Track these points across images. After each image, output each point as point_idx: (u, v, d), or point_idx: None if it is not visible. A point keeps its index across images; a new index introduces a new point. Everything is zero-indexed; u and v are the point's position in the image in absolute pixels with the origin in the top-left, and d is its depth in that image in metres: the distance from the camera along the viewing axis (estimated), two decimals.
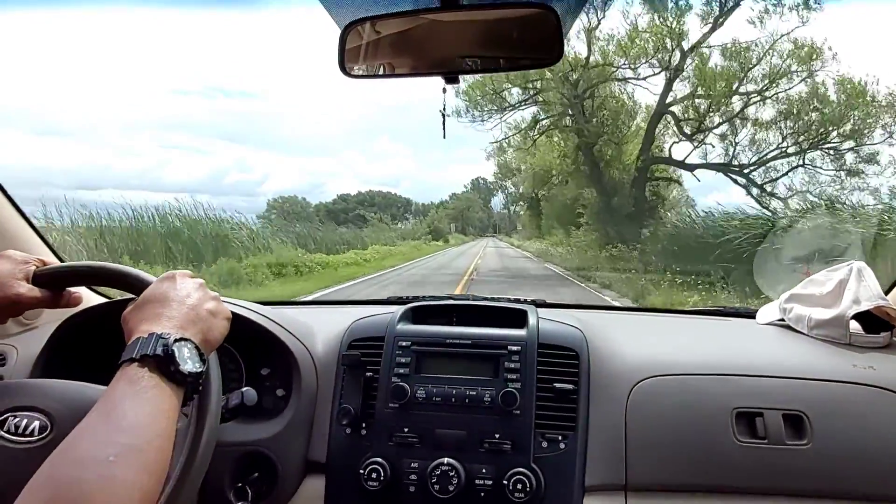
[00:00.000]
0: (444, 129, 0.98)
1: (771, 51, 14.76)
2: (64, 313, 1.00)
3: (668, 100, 16.49)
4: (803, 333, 1.21)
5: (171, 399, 0.63)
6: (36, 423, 0.70)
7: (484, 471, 0.97)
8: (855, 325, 1.15)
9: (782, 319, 1.28)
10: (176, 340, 0.65)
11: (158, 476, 0.58)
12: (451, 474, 0.95)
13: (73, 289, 0.85)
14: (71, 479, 0.52)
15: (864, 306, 1.12)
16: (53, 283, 0.81)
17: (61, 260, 1.26)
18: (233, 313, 1.04)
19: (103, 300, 1.22)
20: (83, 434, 0.56)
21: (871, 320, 1.15)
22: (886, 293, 1.18)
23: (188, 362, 0.65)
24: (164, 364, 0.63)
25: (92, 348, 1.01)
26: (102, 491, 0.52)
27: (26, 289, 0.78)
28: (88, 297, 1.23)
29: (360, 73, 0.95)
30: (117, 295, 1.12)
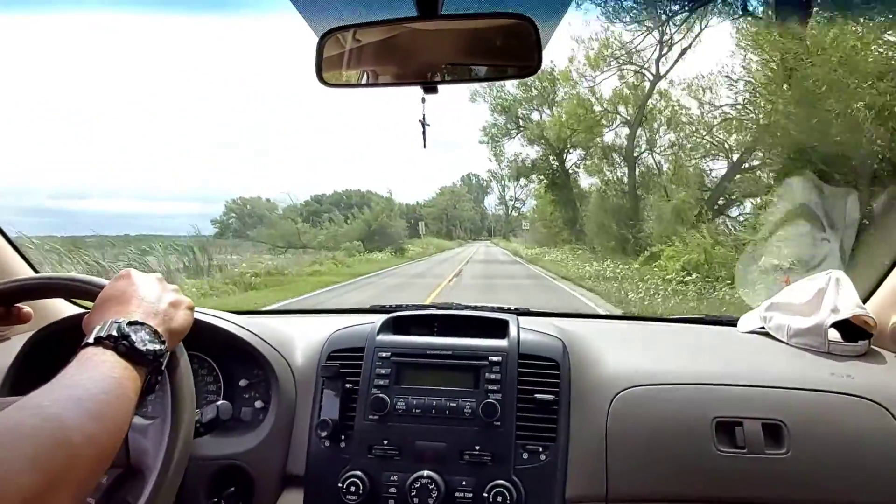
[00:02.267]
0: (424, 139, 0.98)
1: None
2: (35, 325, 0.98)
3: None
4: (783, 342, 1.21)
5: (127, 371, 0.62)
6: None
7: (464, 483, 0.96)
8: (834, 334, 1.15)
9: (763, 328, 1.29)
10: (130, 323, 0.65)
11: (104, 424, 0.55)
12: (431, 487, 0.94)
13: (24, 304, 0.84)
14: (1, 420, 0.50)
15: (842, 315, 1.13)
16: (1, 301, 0.80)
17: (36, 271, 1.24)
18: (210, 325, 1.04)
19: (80, 311, 1.19)
20: (26, 396, 0.54)
21: (849, 329, 1.15)
22: (864, 301, 1.19)
23: (144, 342, 0.64)
24: (118, 342, 0.62)
25: (65, 360, 0.99)
26: (31, 425, 0.50)
27: None
28: (60, 309, 1.20)
29: (338, 82, 0.94)
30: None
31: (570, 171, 20.09)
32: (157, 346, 0.66)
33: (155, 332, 0.67)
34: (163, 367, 0.69)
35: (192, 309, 0.77)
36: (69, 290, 0.81)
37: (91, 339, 0.62)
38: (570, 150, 19.46)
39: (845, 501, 0.94)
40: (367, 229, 26.70)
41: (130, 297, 0.71)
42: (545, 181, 21.25)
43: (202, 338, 0.97)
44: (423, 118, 0.97)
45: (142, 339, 0.64)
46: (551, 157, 20.03)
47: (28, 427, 0.49)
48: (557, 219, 21.07)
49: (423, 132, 0.99)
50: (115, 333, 0.63)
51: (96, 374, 0.59)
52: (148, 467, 0.71)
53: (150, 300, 0.71)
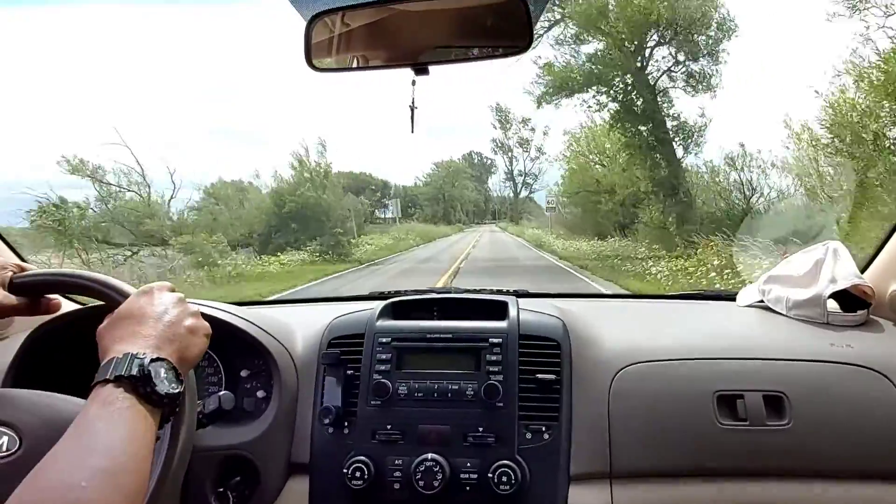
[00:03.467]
0: (412, 123, 0.97)
1: None
2: (34, 322, 0.97)
3: None
4: (782, 314, 1.22)
5: (147, 420, 0.61)
6: (5, 439, 0.68)
7: (469, 465, 0.97)
8: (832, 304, 1.16)
9: (762, 301, 1.29)
10: (152, 361, 0.63)
11: (134, 499, 0.56)
12: (436, 469, 0.95)
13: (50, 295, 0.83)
14: None
15: (840, 285, 1.13)
16: (30, 291, 0.79)
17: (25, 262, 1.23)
18: (210, 316, 1.03)
19: (77, 307, 1.19)
20: (55, 459, 0.54)
21: (848, 299, 1.16)
22: (862, 271, 1.19)
23: (164, 383, 0.63)
24: (139, 385, 0.61)
25: (65, 357, 0.99)
26: None
27: (2, 296, 0.75)
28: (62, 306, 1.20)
29: (327, 66, 0.93)
30: (91, 301, 1.10)
31: (662, 89, 10.51)
32: (177, 390, 0.65)
33: (174, 368, 0.66)
34: (177, 409, 0.68)
35: (208, 336, 0.76)
36: (97, 291, 0.79)
37: (111, 376, 0.61)
38: (665, 41, 9.60)
39: (848, 469, 0.95)
40: (277, 213, 14.92)
41: (148, 317, 0.69)
42: (614, 104, 11.16)
43: None
44: (413, 101, 0.96)
45: (162, 380, 0.63)
46: (620, 62, 10.37)
47: None
48: (635, 182, 11.51)
49: (412, 116, 0.98)
50: (136, 374, 0.61)
51: (122, 432, 0.58)
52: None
53: (168, 322, 0.70)
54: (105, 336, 0.67)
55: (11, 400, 0.75)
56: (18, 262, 0.81)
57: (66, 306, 1.20)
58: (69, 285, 0.81)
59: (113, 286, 0.78)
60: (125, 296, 0.74)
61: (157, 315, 0.70)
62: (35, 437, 0.67)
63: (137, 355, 0.63)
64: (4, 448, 0.67)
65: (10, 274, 0.78)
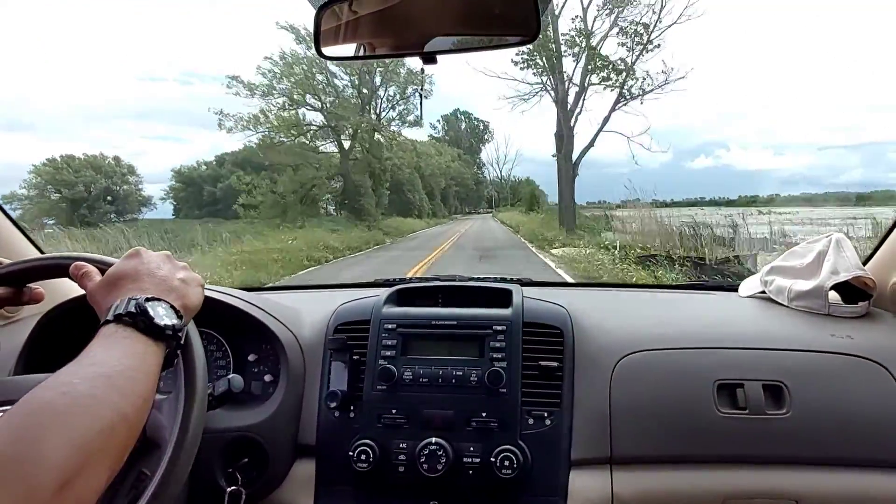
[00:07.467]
0: (420, 110, 0.97)
1: None
2: (46, 305, 0.99)
3: None
4: (784, 305, 1.23)
5: (148, 347, 0.63)
6: None
7: (472, 449, 0.98)
8: (834, 296, 1.16)
9: (763, 292, 1.30)
10: (148, 299, 0.65)
11: (132, 399, 0.56)
12: (440, 453, 0.96)
13: (36, 284, 0.84)
14: (32, 397, 0.51)
15: (842, 277, 1.14)
16: (12, 281, 0.80)
17: (41, 251, 1.24)
18: (218, 301, 1.05)
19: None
20: (53, 375, 0.55)
21: (849, 290, 1.16)
22: (864, 263, 1.20)
23: (164, 318, 0.65)
24: (138, 318, 0.63)
25: (75, 339, 1.00)
26: (64, 403, 0.50)
27: None
28: (70, 288, 1.21)
29: (337, 54, 0.94)
30: None
31: None
32: (176, 321, 0.67)
33: (172, 307, 0.68)
34: (181, 342, 0.69)
35: (202, 286, 0.78)
36: None
37: (110, 317, 0.63)
38: None
39: (845, 459, 0.96)
40: None
41: (143, 274, 0.71)
42: None
43: (210, 314, 0.98)
44: (421, 88, 0.96)
45: (160, 315, 0.65)
46: None
47: (61, 406, 0.50)
48: None
49: (420, 104, 0.98)
50: (133, 310, 0.63)
51: (119, 352, 0.60)
52: (164, 440, 0.73)
53: (162, 276, 0.72)
54: (102, 299, 0.68)
55: (23, 384, 0.77)
56: (23, 249, 0.82)
57: (78, 290, 1.22)
58: (49, 269, 0.82)
59: (94, 259, 0.78)
60: (108, 265, 0.75)
61: (151, 271, 0.72)
62: None
63: (134, 297, 0.65)
64: None
65: None
